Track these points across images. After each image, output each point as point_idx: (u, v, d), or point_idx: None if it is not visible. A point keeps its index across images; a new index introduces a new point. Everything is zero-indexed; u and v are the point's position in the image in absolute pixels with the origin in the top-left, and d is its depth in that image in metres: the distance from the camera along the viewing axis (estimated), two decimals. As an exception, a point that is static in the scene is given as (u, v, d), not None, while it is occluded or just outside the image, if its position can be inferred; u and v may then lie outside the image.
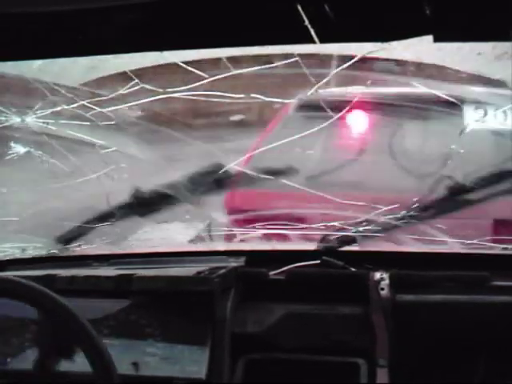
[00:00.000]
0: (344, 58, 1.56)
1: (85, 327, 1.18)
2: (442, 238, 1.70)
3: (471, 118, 2.22)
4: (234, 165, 1.70)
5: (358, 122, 2.71)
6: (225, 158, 1.73)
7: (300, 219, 1.84)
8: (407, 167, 2.46)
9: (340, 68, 1.59)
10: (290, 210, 1.91)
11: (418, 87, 1.83)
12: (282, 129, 2.54)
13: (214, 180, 1.69)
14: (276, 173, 1.72)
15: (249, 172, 1.71)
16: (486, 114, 2.31)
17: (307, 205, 1.88)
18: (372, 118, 2.77)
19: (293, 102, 2.41)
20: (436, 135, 2.58)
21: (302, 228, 1.79)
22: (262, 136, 2.55)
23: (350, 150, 2.69)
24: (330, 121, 1.71)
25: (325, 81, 1.59)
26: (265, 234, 1.79)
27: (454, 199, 1.57)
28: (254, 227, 1.80)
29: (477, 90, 2.33)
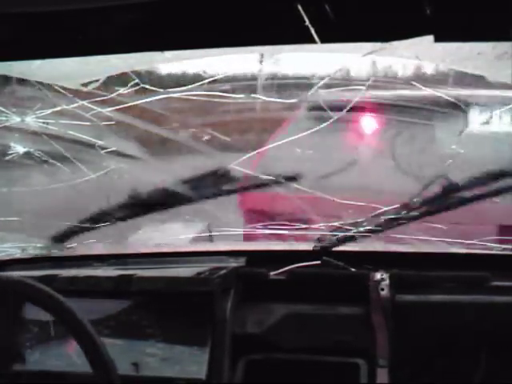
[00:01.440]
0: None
1: (85, 327, 1.18)
2: (442, 238, 1.70)
3: (476, 120, 2.22)
4: (236, 165, 1.69)
5: (363, 123, 2.75)
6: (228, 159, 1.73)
7: (311, 221, 1.82)
8: (408, 169, 2.46)
9: (339, 68, 1.59)
10: (304, 210, 1.89)
11: (421, 89, 1.83)
12: (292, 131, 2.53)
13: (217, 181, 1.68)
14: (286, 176, 1.72)
15: (257, 175, 1.71)
16: (491, 116, 2.30)
17: (319, 206, 1.87)
18: (377, 120, 2.79)
19: (302, 103, 2.39)
20: (439, 137, 2.59)
21: (302, 228, 1.79)
22: (272, 137, 2.55)
23: (357, 151, 2.73)
24: (328, 122, 1.71)
25: (325, 81, 1.59)
26: (280, 235, 1.78)
27: (452, 198, 1.57)
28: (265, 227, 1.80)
29: (482, 93, 2.32)
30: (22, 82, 1.79)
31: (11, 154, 1.96)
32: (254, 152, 1.79)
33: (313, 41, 0.82)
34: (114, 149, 1.90)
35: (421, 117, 2.47)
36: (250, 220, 2.18)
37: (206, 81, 1.59)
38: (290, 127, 2.60)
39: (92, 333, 1.17)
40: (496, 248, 1.60)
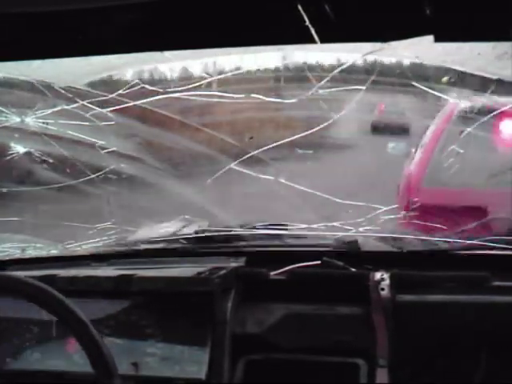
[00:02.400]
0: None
1: (86, 326, 1.18)
2: (442, 238, 1.70)
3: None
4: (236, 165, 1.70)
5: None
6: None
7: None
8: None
9: (339, 69, 1.59)
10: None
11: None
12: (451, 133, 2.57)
13: None
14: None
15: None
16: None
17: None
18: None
19: (455, 104, 2.44)
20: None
21: (302, 228, 1.80)
22: (432, 142, 2.59)
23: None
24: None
25: (325, 81, 1.60)
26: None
27: None
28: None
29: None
30: (22, 82, 1.79)
31: (11, 153, 1.96)
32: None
33: (313, 41, 0.82)
34: (114, 149, 1.90)
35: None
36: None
37: (206, 81, 1.59)
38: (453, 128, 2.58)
39: (93, 332, 1.17)
40: (496, 248, 1.60)
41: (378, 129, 4.97)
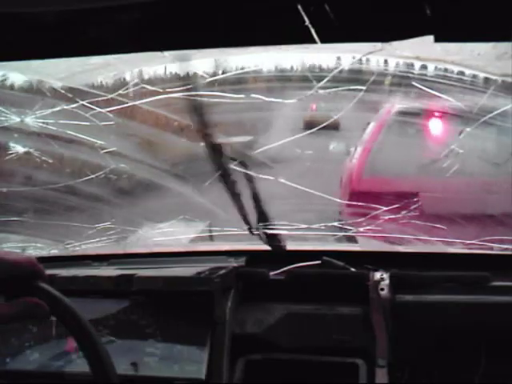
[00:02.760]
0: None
1: (84, 326, 1.18)
2: (442, 238, 1.71)
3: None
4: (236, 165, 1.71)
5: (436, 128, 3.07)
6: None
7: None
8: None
9: (340, 68, 1.59)
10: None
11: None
12: (386, 135, 2.96)
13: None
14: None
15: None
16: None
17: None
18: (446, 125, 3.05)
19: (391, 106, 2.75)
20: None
21: (303, 228, 1.80)
22: (371, 139, 2.95)
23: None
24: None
25: (325, 81, 1.60)
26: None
27: None
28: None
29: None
30: (22, 82, 1.79)
31: (11, 153, 1.96)
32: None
33: (313, 41, 0.82)
34: (114, 149, 1.90)
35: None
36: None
37: (206, 81, 1.59)
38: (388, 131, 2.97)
39: (90, 332, 1.17)
40: (496, 248, 1.60)
41: (311, 127, 5.52)
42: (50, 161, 1.95)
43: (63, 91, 1.74)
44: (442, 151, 2.55)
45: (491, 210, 2.70)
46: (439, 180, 2.54)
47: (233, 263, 1.61)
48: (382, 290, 1.46)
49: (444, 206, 2.45)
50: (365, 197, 2.24)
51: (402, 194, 2.31)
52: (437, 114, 2.90)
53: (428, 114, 2.80)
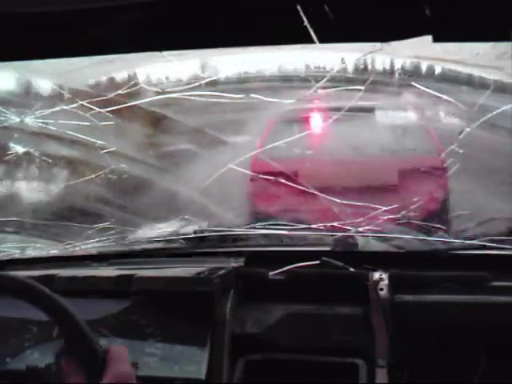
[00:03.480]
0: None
1: (81, 326, 1.18)
2: (442, 239, 1.70)
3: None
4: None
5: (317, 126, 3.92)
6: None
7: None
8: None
9: (337, 70, 1.59)
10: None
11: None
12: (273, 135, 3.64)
13: None
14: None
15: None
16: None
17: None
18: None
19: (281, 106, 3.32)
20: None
21: (302, 228, 1.80)
22: (261, 139, 3.70)
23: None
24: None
25: (324, 81, 1.60)
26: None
27: None
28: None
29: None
30: (22, 82, 1.80)
31: (11, 153, 1.96)
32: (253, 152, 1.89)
33: (312, 41, 0.83)
34: (114, 149, 1.90)
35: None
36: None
37: (206, 81, 1.60)
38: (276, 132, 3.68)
39: (86, 330, 1.15)
40: (496, 248, 1.60)
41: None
42: (50, 161, 1.95)
43: (63, 91, 1.74)
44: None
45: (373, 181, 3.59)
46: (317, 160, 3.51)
47: (232, 263, 1.61)
48: (382, 290, 1.46)
49: (324, 179, 3.10)
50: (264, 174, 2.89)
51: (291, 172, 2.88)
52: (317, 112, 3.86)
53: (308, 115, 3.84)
